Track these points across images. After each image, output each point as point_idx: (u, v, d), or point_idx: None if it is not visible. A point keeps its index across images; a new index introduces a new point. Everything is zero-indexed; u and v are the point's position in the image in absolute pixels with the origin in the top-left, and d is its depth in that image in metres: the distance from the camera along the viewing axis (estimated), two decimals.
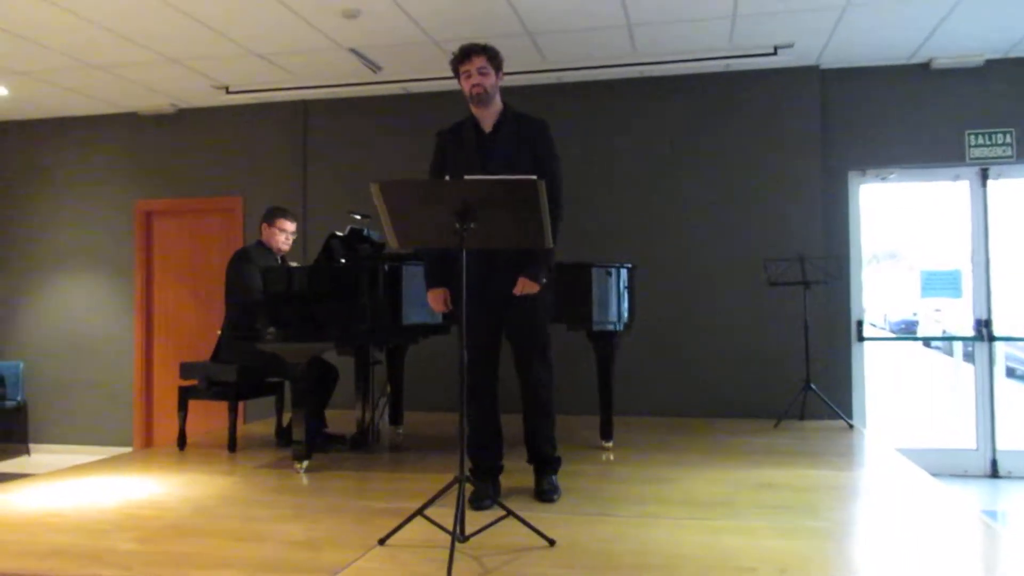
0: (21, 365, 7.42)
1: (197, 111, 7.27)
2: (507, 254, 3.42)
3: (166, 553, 2.89)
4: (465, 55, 3.53)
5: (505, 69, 3.65)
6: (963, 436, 6.24)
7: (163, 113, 7.28)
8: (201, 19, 5.22)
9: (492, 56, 3.55)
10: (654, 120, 6.43)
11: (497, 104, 3.60)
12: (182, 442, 4.99)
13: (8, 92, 6.73)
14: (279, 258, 5.14)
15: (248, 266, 4.85)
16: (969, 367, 6.30)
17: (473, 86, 3.51)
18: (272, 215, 5.12)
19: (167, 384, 7.01)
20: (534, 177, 2.79)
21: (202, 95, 6.88)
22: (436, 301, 3.63)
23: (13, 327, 7.53)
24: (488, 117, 3.60)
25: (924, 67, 6.14)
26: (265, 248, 5.08)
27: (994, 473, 6.06)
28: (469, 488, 3.01)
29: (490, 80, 3.52)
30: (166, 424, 7.02)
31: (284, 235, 5.11)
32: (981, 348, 6.18)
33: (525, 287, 3.48)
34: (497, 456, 3.62)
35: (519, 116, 3.63)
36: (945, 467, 5.89)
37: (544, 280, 3.51)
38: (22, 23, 5.23)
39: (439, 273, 3.58)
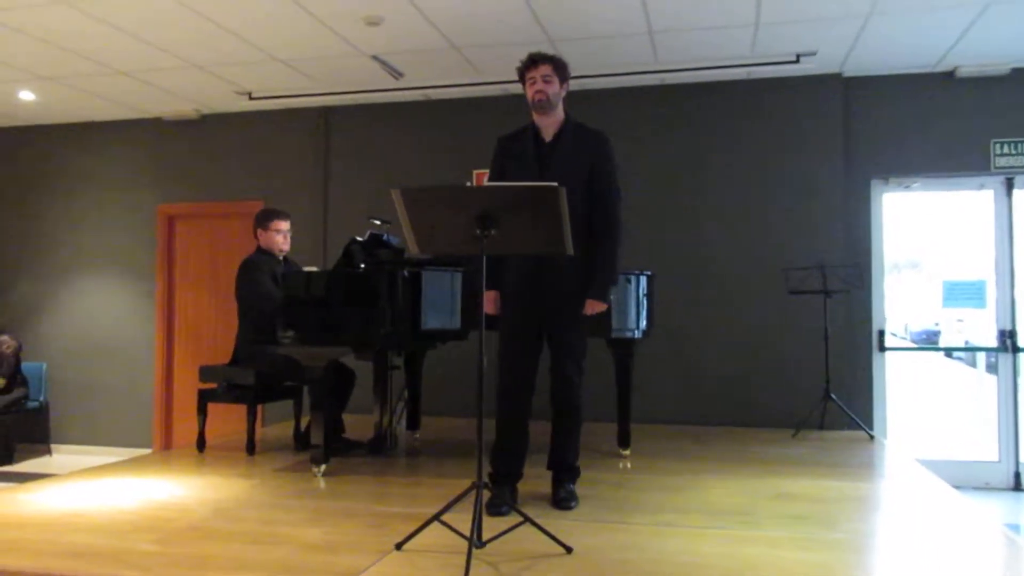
0: (44, 366, 7.51)
1: (220, 116, 7.34)
2: (558, 260, 3.42)
3: (185, 555, 2.91)
4: (532, 62, 3.57)
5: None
6: (985, 448, 6.16)
7: (187, 118, 7.36)
8: (227, 26, 5.27)
9: (558, 65, 3.57)
10: (675, 128, 6.42)
11: (559, 113, 3.62)
12: (201, 444, 5.02)
13: (36, 97, 6.84)
14: (282, 259, 5.12)
15: (259, 275, 4.85)
16: (992, 378, 6.23)
17: (536, 92, 3.54)
18: (265, 218, 5.07)
19: (187, 387, 7.07)
20: (555, 184, 2.80)
21: (226, 101, 6.95)
22: (488, 303, 3.65)
23: (37, 329, 7.62)
24: (549, 126, 3.61)
25: (949, 75, 6.08)
26: (267, 253, 5.06)
27: (1017, 486, 5.98)
28: (486, 494, 3.01)
29: (553, 88, 3.54)
30: (186, 426, 7.07)
31: (281, 235, 5.07)
32: (1005, 359, 6.10)
33: (595, 308, 3.54)
34: (520, 463, 3.62)
35: (580, 127, 3.64)
36: (967, 479, 5.82)
37: (611, 298, 3.55)
38: (53, 30, 5.31)
39: (492, 275, 3.60)
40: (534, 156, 3.58)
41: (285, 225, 5.11)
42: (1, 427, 6.92)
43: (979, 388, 6.48)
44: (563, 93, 3.61)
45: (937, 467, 4.61)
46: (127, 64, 6.01)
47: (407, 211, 2.90)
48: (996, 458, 6.07)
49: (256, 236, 5.12)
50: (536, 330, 3.59)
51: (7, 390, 6.97)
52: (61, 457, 7.31)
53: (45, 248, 7.69)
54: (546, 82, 3.53)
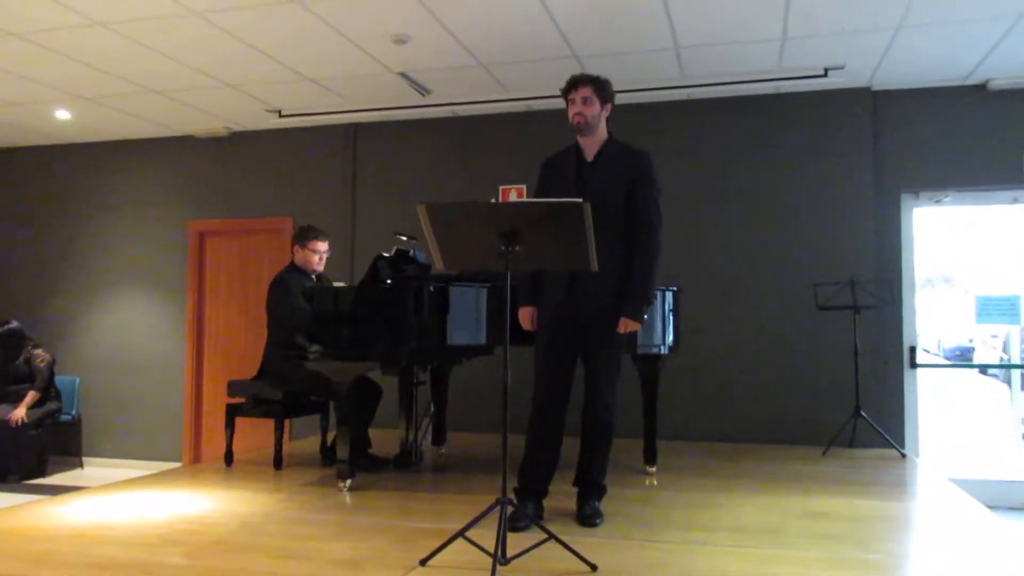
0: (77, 380, 7.63)
1: (250, 134, 7.44)
2: (593, 277, 3.40)
3: (213, 568, 2.93)
4: (573, 84, 3.60)
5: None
6: (1020, 467, 6.02)
7: (218, 136, 7.47)
8: (259, 47, 5.36)
9: (599, 87, 3.59)
10: (702, 142, 6.40)
11: (601, 133, 3.63)
12: (229, 459, 5.06)
13: (71, 116, 6.98)
14: (314, 277, 5.16)
15: (290, 291, 4.89)
16: None
17: (575, 115, 3.57)
18: (304, 236, 5.10)
19: (216, 401, 7.15)
20: (580, 200, 2.80)
21: (256, 118, 7.05)
22: (524, 319, 3.69)
23: (71, 343, 7.75)
24: (591, 146, 3.63)
25: (980, 88, 6.01)
26: (299, 270, 5.09)
27: None
28: (510, 509, 3.00)
29: (592, 110, 3.55)
30: (214, 440, 7.14)
31: (317, 255, 5.11)
32: None
33: (628, 327, 3.54)
34: (547, 480, 3.60)
35: (622, 147, 3.65)
36: (1001, 499, 5.69)
37: (645, 316, 3.56)
38: (90, 51, 5.43)
39: (531, 293, 3.65)
40: (574, 175, 3.60)
41: (323, 246, 5.14)
42: (34, 440, 7.02)
43: (1014, 406, 6.35)
44: (605, 114, 3.62)
45: (970, 486, 4.51)
46: (161, 84, 6.13)
47: (432, 227, 2.92)
48: None
49: (292, 251, 5.16)
50: (572, 348, 3.59)
51: (41, 403, 7.08)
52: (92, 470, 7.41)
53: (79, 264, 7.83)
54: (585, 104, 3.55)
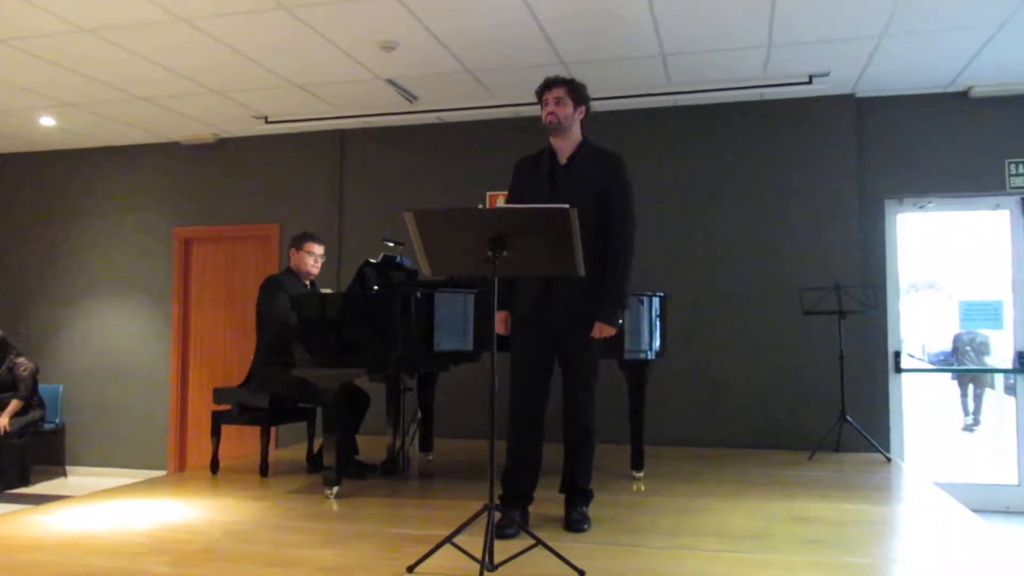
0: (61, 388, 7.56)
1: (237, 140, 7.42)
2: (567, 282, 3.42)
3: None
4: (547, 85, 3.60)
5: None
6: (1005, 471, 6.07)
7: (204, 142, 7.44)
8: (246, 53, 5.35)
9: (573, 88, 3.59)
10: (688, 149, 6.43)
11: (575, 136, 3.63)
12: (215, 466, 5.03)
13: (57, 123, 6.95)
14: (309, 283, 5.17)
15: (279, 296, 4.88)
16: (1011, 400, 6.16)
17: (548, 114, 3.57)
18: (300, 239, 5.14)
19: (201, 409, 7.11)
20: (566, 207, 2.81)
21: (242, 125, 7.03)
22: (499, 324, 3.65)
23: (54, 351, 7.69)
24: (564, 148, 3.62)
25: (963, 95, 6.07)
26: (294, 274, 5.10)
27: None
28: (498, 515, 3.00)
29: (565, 111, 3.55)
30: (200, 448, 7.09)
31: (313, 258, 5.12)
32: (1023, 381, 6.03)
33: (603, 332, 3.53)
34: (531, 486, 3.60)
35: (597, 150, 3.65)
36: (986, 503, 5.73)
37: (620, 321, 3.54)
38: (75, 58, 5.41)
39: (503, 296, 3.60)
40: (547, 178, 3.60)
41: (319, 249, 5.17)
42: (18, 449, 6.95)
43: (998, 410, 6.40)
44: (579, 116, 3.62)
45: (955, 490, 4.55)
46: (147, 90, 6.10)
47: (419, 233, 2.92)
48: (1016, 481, 5.98)
49: (289, 255, 5.19)
50: (546, 353, 3.59)
51: (24, 412, 7.02)
52: (76, 479, 7.35)
53: (63, 271, 7.78)
54: (558, 104, 3.55)
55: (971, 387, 7.96)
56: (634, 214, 3.63)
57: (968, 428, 7.82)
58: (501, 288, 3.58)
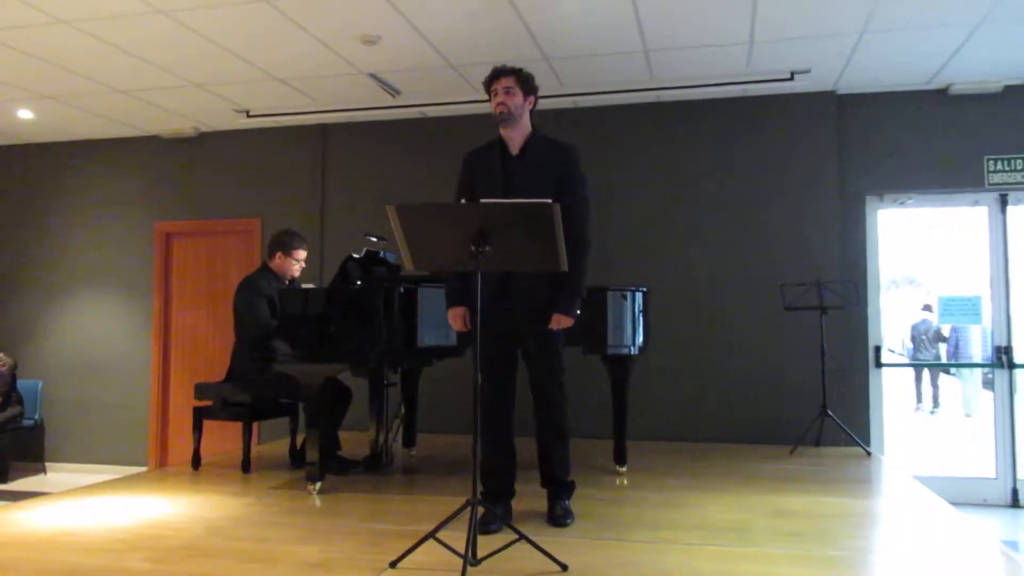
0: (40, 384, 7.49)
1: (218, 134, 7.37)
2: (525, 275, 3.42)
3: (179, 573, 2.90)
4: (494, 75, 3.57)
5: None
6: (982, 464, 6.15)
7: (185, 136, 7.38)
8: (226, 46, 5.31)
9: (521, 78, 3.56)
10: (671, 144, 6.45)
11: (525, 127, 3.60)
12: (196, 462, 5.01)
13: (34, 116, 6.86)
14: (287, 282, 5.11)
15: (258, 299, 4.83)
16: (989, 394, 6.23)
17: (498, 104, 3.54)
18: (290, 245, 5.02)
19: (183, 404, 7.06)
20: (550, 200, 2.81)
21: (223, 118, 6.98)
22: (455, 320, 3.63)
23: (33, 346, 7.61)
24: (515, 139, 3.60)
25: (942, 92, 6.13)
26: (272, 274, 5.03)
27: (1015, 502, 5.96)
28: (481, 511, 3.00)
29: (515, 100, 3.53)
30: (181, 444, 7.05)
31: (299, 264, 5.09)
32: (1001, 375, 6.10)
33: (561, 323, 3.50)
34: (509, 481, 3.60)
35: (548, 141, 3.62)
36: (964, 496, 5.81)
37: (578, 312, 3.52)
38: (53, 50, 5.34)
39: (460, 292, 3.56)
40: (499, 170, 3.57)
41: (304, 254, 5.12)
42: None
43: (975, 404, 6.48)
44: (529, 106, 3.60)
45: (934, 483, 4.60)
46: (126, 83, 6.04)
47: (402, 228, 2.91)
48: (993, 475, 6.06)
49: (271, 255, 5.07)
50: (507, 346, 3.55)
51: (2, 408, 6.95)
52: (56, 475, 7.28)
53: (42, 265, 7.69)
54: (508, 94, 3.52)
55: (926, 372, 8.33)
56: (590, 204, 3.59)
57: (931, 412, 8.09)
58: (457, 284, 3.57)
